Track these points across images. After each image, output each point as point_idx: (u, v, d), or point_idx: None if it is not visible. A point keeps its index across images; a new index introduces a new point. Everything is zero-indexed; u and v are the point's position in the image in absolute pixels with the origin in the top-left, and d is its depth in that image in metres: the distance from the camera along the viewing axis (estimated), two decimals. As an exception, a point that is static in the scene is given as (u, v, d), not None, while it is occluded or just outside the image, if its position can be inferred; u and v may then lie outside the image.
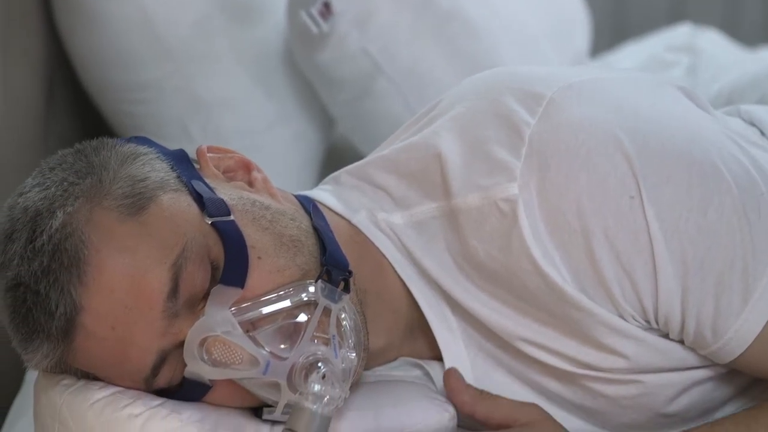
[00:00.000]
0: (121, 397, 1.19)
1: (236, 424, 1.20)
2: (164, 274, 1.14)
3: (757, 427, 1.23)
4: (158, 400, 1.19)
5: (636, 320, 1.22)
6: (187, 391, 1.20)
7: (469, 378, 1.32)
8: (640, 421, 1.30)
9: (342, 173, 1.39)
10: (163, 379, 1.18)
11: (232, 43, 2.10)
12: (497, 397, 1.30)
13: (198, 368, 1.16)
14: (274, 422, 1.21)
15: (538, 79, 1.27)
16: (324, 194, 1.36)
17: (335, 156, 2.26)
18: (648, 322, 1.23)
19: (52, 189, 1.17)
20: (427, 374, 1.35)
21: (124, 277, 1.14)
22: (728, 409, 1.32)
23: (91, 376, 1.21)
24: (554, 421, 1.28)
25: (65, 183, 1.18)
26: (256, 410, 1.23)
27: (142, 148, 1.24)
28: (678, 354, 1.25)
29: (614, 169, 1.19)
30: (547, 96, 1.23)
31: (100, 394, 1.19)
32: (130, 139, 1.26)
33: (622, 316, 1.22)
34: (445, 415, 1.27)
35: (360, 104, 2.03)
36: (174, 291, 1.15)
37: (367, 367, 1.33)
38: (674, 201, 1.19)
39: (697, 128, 1.25)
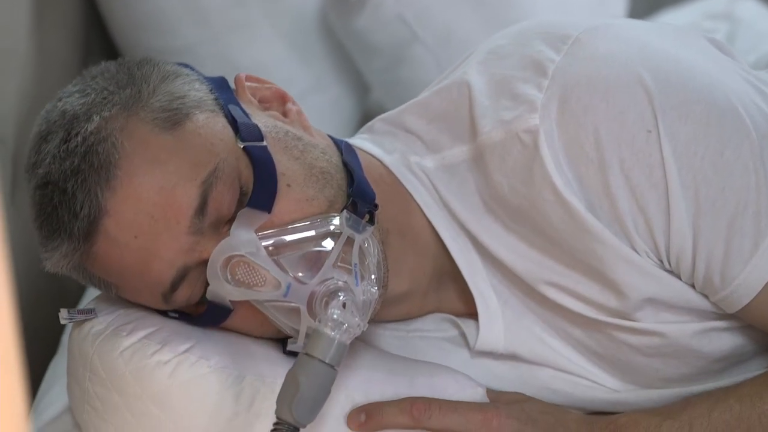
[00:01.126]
0: (149, 344, 1.20)
1: (263, 370, 1.21)
2: (194, 191, 1.15)
3: (762, 405, 1.23)
4: (185, 345, 1.20)
5: (650, 257, 1.22)
6: (208, 314, 1.21)
7: (500, 325, 1.33)
8: (668, 372, 1.31)
9: (376, 121, 1.41)
10: (181, 296, 1.19)
11: (268, 9, 2.10)
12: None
13: (220, 288, 1.17)
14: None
15: (565, 24, 1.29)
16: (357, 140, 1.38)
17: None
18: (661, 260, 1.23)
19: (92, 95, 1.19)
20: (463, 334, 1.36)
21: (153, 188, 1.15)
22: (757, 362, 1.32)
23: (112, 289, 1.22)
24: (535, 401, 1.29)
25: (105, 91, 1.19)
26: (282, 344, 1.24)
27: (184, 69, 1.26)
28: (690, 297, 1.24)
29: (634, 102, 1.19)
30: (574, 35, 1.25)
31: (128, 341, 1.20)
32: (174, 64, 1.27)
33: (636, 251, 1.22)
34: (479, 390, 1.28)
35: (395, 71, 2.03)
36: (201, 208, 1.15)
37: (395, 317, 1.35)
38: (691, 138, 1.19)
39: (719, 72, 1.25)
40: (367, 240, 1.20)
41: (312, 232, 1.18)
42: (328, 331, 1.11)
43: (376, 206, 1.23)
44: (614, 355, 1.30)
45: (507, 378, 1.35)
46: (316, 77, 2.14)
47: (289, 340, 1.22)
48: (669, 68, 1.22)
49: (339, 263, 1.16)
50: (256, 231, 1.16)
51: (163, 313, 1.25)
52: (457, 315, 1.38)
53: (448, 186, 1.30)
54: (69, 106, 1.19)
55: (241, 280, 1.15)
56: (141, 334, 1.21)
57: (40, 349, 1.71)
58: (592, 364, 1.33)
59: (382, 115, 1.41)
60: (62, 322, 1.24)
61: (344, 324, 1.11)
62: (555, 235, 1.24)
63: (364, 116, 2.25)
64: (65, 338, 1.67)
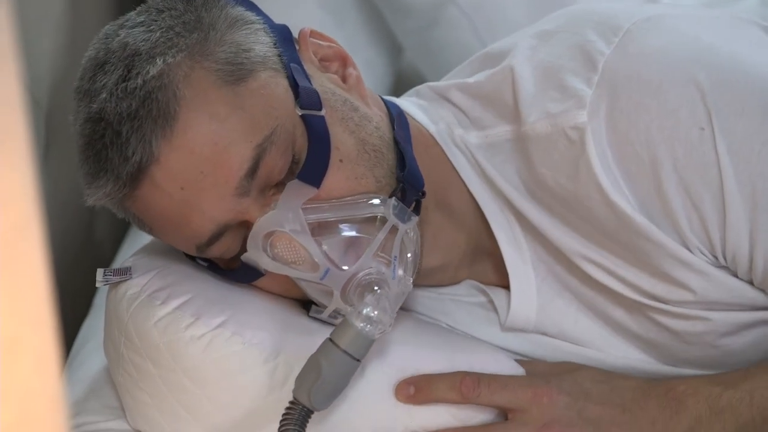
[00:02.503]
0: (183, 316, 1.20)
1: (298, 344, 1.21)
2: (248, 152, 1.14)
3: None
4: (219, 318, 1.20)
5: (703, 254, 1.21)
6: (240, 272, 1.21)
7: (533, 303, 1.31)
8: (702, 357, 1.29)
9: (424, 87, 1.40)
10: (216, 251, 1.19)
11: (301, -31, 2.09)
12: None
13: (258, 258, 1.16)
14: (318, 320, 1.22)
15: (617, 12, 1.26)
16: (407, 103, 1.36)
17: (403, 85, 2.24)
18: (716, 257, 1.21)
19: (157, 33, 1.16)
20: (491, 302, 1.35)
21: (207, 143, 1.13)
22: None
23: (146, 228, 1.22)
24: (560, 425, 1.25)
25: (171, 32, 1.16)
26: (306, 306, 1.24)
27: (251, 16, 1.22)
28: (747, 294, 1.23)
29: (686, 100, 1.17)
30: (625, 27, 1.22)
31: (162, 311, 1.20)
32: (238, 2, 1.24)
33: (689, 249, 1.21)
34: (519, 370, 1.27)
35: (429, 32, 2.02)
36: (252, 171, 1.14)
37: (424, 286, 1.34)
38: (747, 134, 1.17)
39: None
40: (410, 230, 1.18)
41: (358, 212, 1.16)
42: (358, 323, 1.10)
43: (423, 194, 1.22)
44: (654, 338, 1.29)
45: (535, 350, 1.34)
46: (348, 39, 2.13)
47: (313, 307, 1.22)
48: (721, 63, 1.20)
49: (380, 253, 1.15)
50: (303, 204, 1.15)
51: (192, 258, 1.24)
52: (488, 284, 1.37)
53: (491, 162, 1.29)
54: (131, 39, 1.16)
55: (280, 254, 1.14)
56: (174, 303, 1.21)
57: (73, 309, 1.72)
58: (629, 344, 1.31)
59: (430, 83, 1.39)
60: (98, 285, 1.24)
61: (375, 319, 1.10)
62: (601, 228, 1.22)
63: (397, 78, 2.24)
64: (97, 300, 1.68)
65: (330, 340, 1.11)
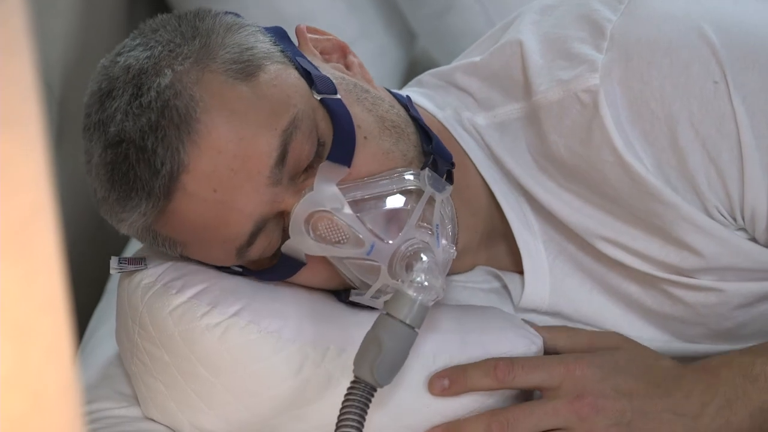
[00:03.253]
0: (198, 305, 1.19)
1: (312, 334, 1.21)
2: (275, 140, 1.13)
3: None
4: (235, 307, 1.20)
5: (721, 213, 1.21)
6: (279, 268, 1.20)
7: (546, 283, 1.31)
8: (716, 331, 1.29)
9: (425, 75, 1.40)
10: (256, 249, 1.18)
11: (315, -45, 2.09)
12: (575, 329, 1.29)
13: (302, 243, 1.15)
14: (357, 305, 1.22)
15: None
16: (410, 93, 1.35)
17: (416, 72, 2.24)
18: (734, 217, 1.21)
19: (158, 48, 1.16)
20: (505, 287, 1.35)
21: (232, 140, 1.13)
22: None
23: (177, 249, 1.20)
24: (637, 343, 1.27)
25: (171, 44, 1.16)
26: (339, 295, 1.24)
27: (244, 20, 1.23)
28: (761, 257, 1.23)
29: (698, 55, 1.18)
30: None
31: (177, 300, 1.20)
32: (227, 13, 1.24)
33: (706, 210, 1.20)
34: (532, 347, 1.26)
35: (442, 19, 2.02)
36: (282, 158, 1.14)
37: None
38: (761, 86, 1.17)
39: None
40: (446, 199, 1.18)
41: (392, 186, 1.16)
42: (411, 292, 1.09)
43: (453, 164, 1.22)
44: (668, 312, 1.29)
45: None
46: (362, 25, 2.13)
47: (353, 291, 1.22)
48: (729, 20, 1.21)
49: (421, 222, 1.15)
50: (337, 185, 1.15)
51: (225, 269, 1.23)
52: (501, 269, 1.37)
53: (500, 143, 1.29)
54: (133, 60, 1.16)
55: (323, 235, 1.13)
56: (190, 293, 1.20)
57: (86, 293, 1.73)
58: (643, 321, 1.31)
59: (431, 71, 1.39)
60: (112, 272, 1.24)
61: (427, 286, 1.09)
62: (613, 193, 1.22)
63: (410, 65, 2.24)
64: (109, 285, 1.68)
65: (387, 314, 1.09)
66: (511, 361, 1.22)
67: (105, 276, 1.71)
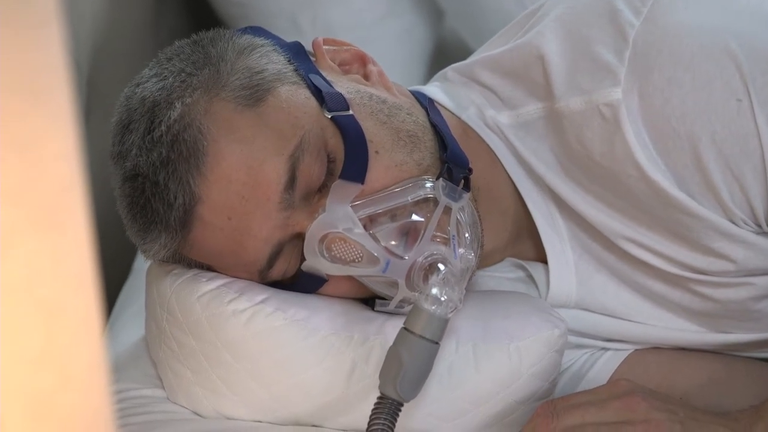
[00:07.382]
0: (227, 291, 1.20)
1: (341, 323, 1.21)
2: (282, 165, 1.14)
3: None
4: (262, 295, 1.20)
5: (747, 224, 1.20)
6: (302, 283, 1.21)
7: (572, 281, 1.31)
8: (742, 322, 1.28)
9: (448, 70, 1.38)
10: (277, 271, 1.19)
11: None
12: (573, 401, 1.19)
13: (317, 263, 1.16)
14: (385, 313, 1.22)
15: None
16: (434, 89, 1.35)
17: (444, 51, 2.23)
18: (759, 225, 1.20)
19: (170, 79, 1.17)
20: (530, 276, 1.34)
21: (241, 168, 1.14)
22: None
23: (206, 267, 1.23)
24: (645, 395, 1.17)
25: (183, 74, 1.18)
26: (367, 301, 1.24)
27: (259, 40, 1.23)
28: None
29: (720, 71, 1.15)
30: None
31: (207, 287, 1.20)
32: (245, 30, 1.25)
33: (732, 220, 1.19)
34: (555, 331, 1.24)
35: (471, -3, 2.01)
36: (291, 182, 1.14)
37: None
38: None
39: None
40: (462, 208, 1.18)
41: (407, 198, 1.16)
42: (428, 306, 1.09)
43: (470, 170, 1.21)
44: (696, 308, 1.28)
45: (576, 326, 1.32)
46: (389, 3, 2.12)
47: (377, 302, 1.22)
48: (755, 31, 1.18)
49: (436, 233, 1.15)
50: (351, 202, 1.15)
51: None
52: (526, 260, 1.35)
53: (524, 142, 1.28)
54: (147, 92, 1.18)
55: (338, 256, 1.14)
56: (220, 281, 1.21)
57: (113, 271, 1.73)
58: (672, 314, 1.30)
59: (455, 65, 1.37)
60: (145, 259, 1.25)
61: (444, 298, 1.09)
62: (637, 202, 1.21)
63: (438, 43, 2.23)
64: (136, 264, 1.68)
65: (405, 328, 1.10)
66: (552, 405, 1.15)
67: (132, 254, 1.72)
